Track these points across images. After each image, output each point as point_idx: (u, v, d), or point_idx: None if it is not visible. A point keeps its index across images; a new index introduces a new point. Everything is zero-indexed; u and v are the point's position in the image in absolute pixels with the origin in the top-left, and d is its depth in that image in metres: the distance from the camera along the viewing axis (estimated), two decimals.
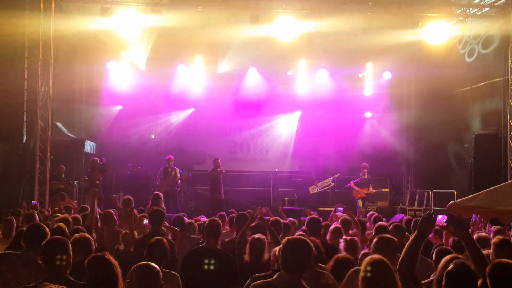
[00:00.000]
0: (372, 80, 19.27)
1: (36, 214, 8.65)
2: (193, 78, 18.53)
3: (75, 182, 16.22)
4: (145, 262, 3.97)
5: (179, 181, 15.98)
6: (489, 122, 15.85)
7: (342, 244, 6.21)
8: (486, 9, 14.85)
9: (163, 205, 10.55)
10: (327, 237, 7.07)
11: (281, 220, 7.57)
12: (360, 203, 15.90)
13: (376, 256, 3.84)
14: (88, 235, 5.38)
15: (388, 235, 5.50)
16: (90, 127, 18.84)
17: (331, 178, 17.41)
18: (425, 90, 18.40)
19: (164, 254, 5.18)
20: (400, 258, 3.82)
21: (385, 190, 16.93)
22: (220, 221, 6.38)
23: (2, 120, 13.75)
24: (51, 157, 14.39)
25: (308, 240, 4.15)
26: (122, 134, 18.52)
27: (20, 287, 4.05)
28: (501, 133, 14.93)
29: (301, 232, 6.66)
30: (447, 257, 4.20)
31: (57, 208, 10.89)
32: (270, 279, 4.06)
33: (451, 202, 8.01)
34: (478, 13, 15.10)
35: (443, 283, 3.64)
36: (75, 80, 18.02)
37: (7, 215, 8.80)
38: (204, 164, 19.65)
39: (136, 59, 17.23)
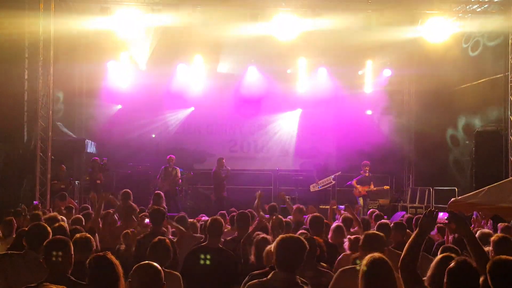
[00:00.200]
0: (372, 77, 19.26)
1: (41, 215, 8.64)
2: (193, 77, 18.53)
3: (76, 182, 16.23)
4: (147, 261, 3.95)
5: (180, 181, 15.99)
6: (490, 119, 15.85)
7: (346, 244, 6.23)
8: (486, 5, 14.82)
9: (164, 205, 10.57)
10: (329, 236, 7.07)
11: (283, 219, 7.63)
12: (361, 201, 15.91)
13: (376, 254, 3.84)
14: (89, 235, 5.39)
15: (374, 231, 5.50)
16: (90, 126, 18.85)
17: (332, 176, 17.40)
18: (425, 87, 18.40)
19: (167, 254, 5.18)
20: (402, 256, 3.83)
21: (386, 187, 16.96)
22: (222, 220, 6.38)
23: (3, 120, 13.75)
24: (52, 157, 14.40)
25: (302, 238, 4.14)
26: (122, 134, 18.53)
27: (22, 287, 4.05)
28: (502, 130, 14.93)
29: (303, 231, 6.65)
30: (440, 256, 4.22)
31: (58, 210, 10.88)
32: (265, 278, 4.06)
33: (452, 199, 8.03)
34: (477, 10, 15.08)
35: (444, 280, 3.63)
36: (75, 80, 18.02)
37: (8, 216, 8.81)
38: (204, 163, 19.67)
39: (136, 58, 17.23)
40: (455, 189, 15.65)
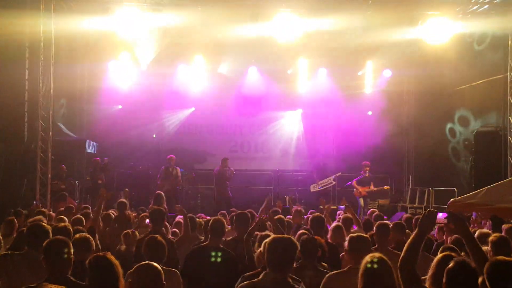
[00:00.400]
0: (372, 78, 19.29)
1: (46, 214, 8.67)
2: (194, 77, 18.55)
3: (76, 182, 16.25)
4: (147, 262, 3.96)
5: (181, 181, 16.01)
6: (489, 120, 15.90)
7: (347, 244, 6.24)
8: (486, 6, 14.85)
9: (165, 205, 10.59)
10: (328, 236, 7.08)
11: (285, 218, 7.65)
12: (361, 201, 15.95)
13: (376, 254, 3.87)
14: (88, 235, 5.40)
15: (359, 233, 5.50)
16: (91, 127, 18.86)
17: (333, 176, 17.44)
18: (425, 88, 18.43)
19: (160, 253, 5.12)
20: (401, 256, 3.83)
21: (386, 187, 16.99)
22: (223, 220, 6.39)
23: (3, 120, 13.78)
24: (53, 157, 14.42)
25: (293, 239, 4.14)
26: (123, 134, 18.53)
27: (23, 287, 4.07)
28: (501, 131, 14.97)
29: (303, 231, 6.67)
30: (440, 255, 4.21)
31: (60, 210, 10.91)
32: (256, 279, 4.06)
33: (451, 199, 8.07)
34: (477, 11, 15.10)
35: (443, 280, 3.63)
36: (76, 80, 18.02)
37: (9, 216, 8.83)
38: (205, 163, 19.70)
39: (136, 58, 17.25)
40: (454, 190, 15.68)
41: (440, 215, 8.33)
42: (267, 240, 4.14)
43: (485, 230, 7.10)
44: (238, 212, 7.20)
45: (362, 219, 10.72)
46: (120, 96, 18.42)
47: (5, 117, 13.74)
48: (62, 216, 8.53)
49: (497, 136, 15.12)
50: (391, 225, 7.08)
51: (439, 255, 4.21)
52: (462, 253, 4.85)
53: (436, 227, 8.38)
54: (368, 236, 5.28)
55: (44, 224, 5.52)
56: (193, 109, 19.92)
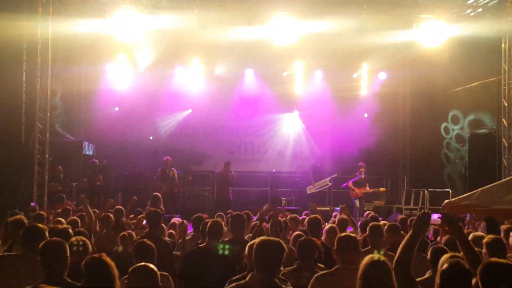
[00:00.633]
0: (368, 80, 19.38)
1: (44, 216, 8.68)
2: (191, 80, 18.61)
3: (73, 183, 16.27)
4: (143, 263, 3.97)
5: (178, 183, 16.04)
6: (483, 122, 16.02)
7: (335, 244, 6.27)
8: (480, 9, 14.97)
9: (162, 206, 10.63)
10: (322, 238, 7.09)
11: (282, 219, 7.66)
12: (357, 202, 16.01)
13: (376, 255, 3.87)
14: (85, 237, 5.44)
15: (346, 233, 5.52)
16: (88, 128, 18.87)
17: (329, 178, 17.52)
18: (420, 90, 18.55)
19: (150, 256, 5.02)
20: (396, 257, 3.82)
21: (382, 189, 17.06)
22: (222, 222, 6.43)
23: (1, 123, 13.78)
24: (50, 159, 14.44)
25: (281, 241, 4.17)
26: (120, 136, 18.56)
27: None
28: (495, 133, 15.08)
29: (299, 232, 6.73)
30: (445, 257, 4.25)
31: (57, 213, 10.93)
32: (243, 281, 4.11)
33: (446, 201, 8.12)
34: (471, 14, 15.23)
35: (437, 281, 3.66)
36: (73, 82, 18.05)
37: (6, 217, 8.84)
38: (202, 164, 19.75)
39: (134, 60, 17.29)
40: (449, 191, 15.80)
41: (435, 216, 8.41)
42: (255, 241, 4.17)
43: (479, 233, 7.15)
44: (234, 213, 7.14)
45: (357, 220, 10.78)
46: (117, 98, 18.45)
47: (2, 119, 13.73)
48: (60, 218, 8.58)
49: (492, 138, 15.23)
50: (386, 226, 7.14)
51: (443, 258, 4.22)
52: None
53: (431, 228, 8.45)
54: (356, 236, 5.30)
55: (39, 225, 5.52)
56: (190, 111, 19.95)
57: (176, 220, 9.66)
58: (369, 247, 6.16)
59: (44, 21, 13.88)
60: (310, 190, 17.64)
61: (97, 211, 9.02)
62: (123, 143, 18.57)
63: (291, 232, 7.92)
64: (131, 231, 7.69)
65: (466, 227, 8.60)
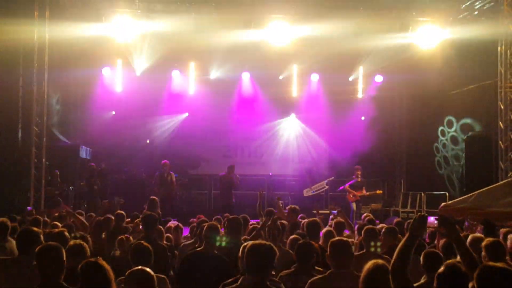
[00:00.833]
0: (364, 83, 19.40)
1: (41, 220, 8.67)
2: (187, 83, 18.62)
3: (70, 187, 16.24)
4: (140, 267, 4.00)
5: (176, 186, 16.01)
6: (480, 125, 16.05)
7: (328, 248, 6.27)
8: (476, 13, 15.02)
9: (158, 210, 10.61)
10: (320, 241, 7.08)
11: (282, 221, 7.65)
12: (354, 205, 16.01)
13: (379, 261, 3.88)
14: (81, 241, 5.42)
15: (339, 237, 5.53)
16: (85, 132, 18.85)
17: (326, 181, 17.52)
18: (417, 93, 18.59)
19: (146, 258, 5.04)
20: (392, 260, 3.81)
21: (379, 192, 17.04)
22: (219, 225, 6.41)
23: None
24: (47, 163, 14.42)
25: (272, 244, 4.21)
26: (117, 139, 18.55)
27: None
28: (492, 136, 15.11)
29: (296, 236, 6.71)
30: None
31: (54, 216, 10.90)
32: (235, 284, 4.16)
33: (442, 204, 8.11)
34: (467, 17, 15.27)
35: (434, 285, 3.65)
36: (70, 86, 18.05)
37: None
38: (198, 168, 19.74)
39: (130, 64, 17.29)
40: (446, 194, 15.80)
41: (432, 219, 8.41)
42: (246, 245, 4.21)
43: (478, 234, 7.13)
44: (231, 217, 7.10)
45: (354, 223, 10.77)
46: (113, 102, 18.45)
47: None
48: (56, 222, 8.56)
49: (488, 141, 15.26)
50: (383, 229, 7.13)
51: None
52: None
53: (428, 231, 8.44)
54: (348, 240, 5.29)
55: (34, 229, 5.52)
56: (186, 114, 19.97)
57: (172, 223, 9.68)
58: (364, 250, 6.16)
59: (40, 26, 13.91)
60: (307, 193, 17.65)
61: (94, 215, 9.02)
62: (119, 147, 18.56)
63: (288, 233, 7.95)
64: (128, 235, 7.69)
65: (465, 232, 8.59)
